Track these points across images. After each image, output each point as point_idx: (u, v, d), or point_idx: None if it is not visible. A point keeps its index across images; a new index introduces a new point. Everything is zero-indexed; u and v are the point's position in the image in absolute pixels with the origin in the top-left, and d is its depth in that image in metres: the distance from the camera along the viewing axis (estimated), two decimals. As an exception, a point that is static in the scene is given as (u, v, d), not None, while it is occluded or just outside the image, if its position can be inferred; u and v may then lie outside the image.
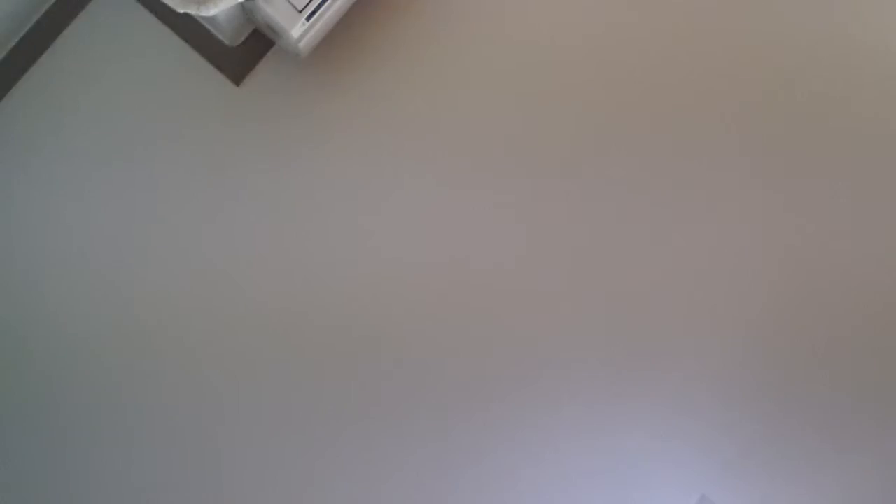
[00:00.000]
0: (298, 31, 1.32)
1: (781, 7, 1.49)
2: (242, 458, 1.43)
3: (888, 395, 1.45)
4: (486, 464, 1.45)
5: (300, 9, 1.30)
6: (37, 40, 1.45)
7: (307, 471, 1.44)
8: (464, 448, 1.45)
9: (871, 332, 1.46)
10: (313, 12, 1.32)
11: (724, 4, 1.50)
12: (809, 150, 1.47)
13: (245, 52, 1.47)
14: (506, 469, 1.45)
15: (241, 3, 1.30)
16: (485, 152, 1.48)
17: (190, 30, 1.45)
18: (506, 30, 1.50)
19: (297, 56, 1.43)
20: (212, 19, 1.37)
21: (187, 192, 1.46)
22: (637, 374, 1.46)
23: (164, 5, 1.21)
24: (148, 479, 1.43)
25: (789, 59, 1.48)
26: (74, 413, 1.43)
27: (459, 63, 1.49)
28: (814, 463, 1.46)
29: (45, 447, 1.43)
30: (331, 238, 1.46)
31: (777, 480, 1.46)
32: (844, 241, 1.46)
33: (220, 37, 1.45)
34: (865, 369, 1.46)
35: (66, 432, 1.43)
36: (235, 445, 1.44)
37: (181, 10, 1.20)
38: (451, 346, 1.45)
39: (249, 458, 1.43)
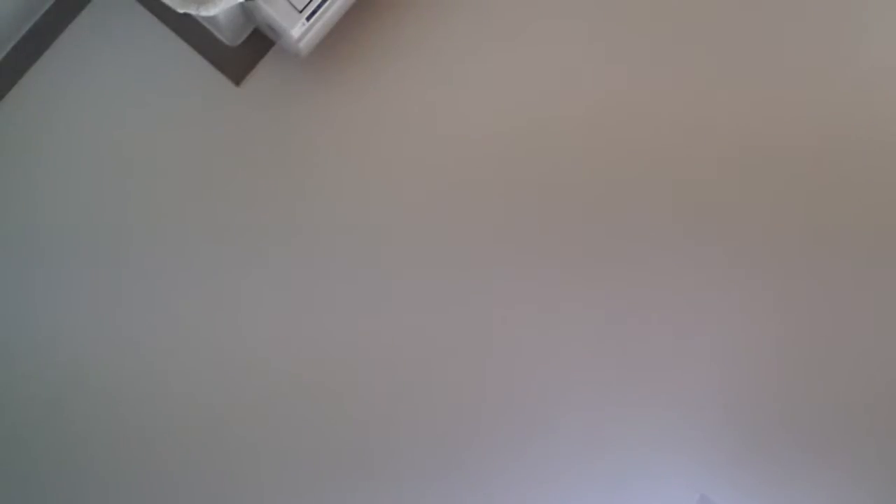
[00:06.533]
0: (298, 31, 1.32)
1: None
2: None
3: (874, 408, 1.47)
4: (488, 465, 1.45)
5: (300, 9, 1.30)
6: (37, 40, 1.45)
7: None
8: (468, 454, 1.45)
9: (864, 348, 1.47)
10: (313, 12, 1.32)
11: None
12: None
13: (245, 52, 1.47)
14: (509, 471, 1.45)
15: (242, 3, 1.30)
16: (485, 153, 1.48)
17: (190, 30, 1.45)
18: (508, 33, 1.50)
19: (297, 56, 1.43)
20: (212, 19, 1.37)
21: (186, 191, 1.46)
22: (638, 378, 1.46)
23: (164, 5, 1.21)
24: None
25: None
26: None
27: (459, 62, 1.49)
28: (810, 464, 1.46)
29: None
30: (330, 240, 1.46)
31: (775, 481, 1.46)
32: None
33: (220, 37, 1.45)
34: (855, 384, 1.47)
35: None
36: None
37: (181, 10, 1.20)
38: (452, 362, 1.46)
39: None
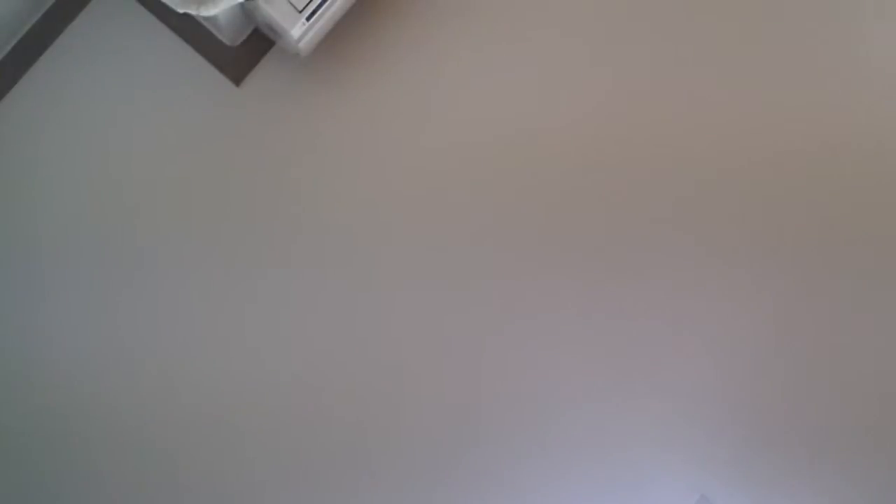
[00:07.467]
0: (298, 31, 1.32)
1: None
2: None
3: (874, 409, 1.47)
4: (487, 466, 1.45)
5: (300, 9, 1.30)
6: (37, 40, 1.45)
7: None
8: (467, 456, 1.45)
9: (865, 348, 1.47)
10: (313, 12, 1.32)
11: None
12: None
13: (245, 52, 1.47)
14: (508, 472, 1.45)
15: (242, 3, 1.30)
16: (485, 154, 1.48)
17: (190, 30, 1.45)
18: (508, 36, 1.50)
19: (297, 56, 1.43)
20: (212, 19, 1.37)
21: (185, 190, 1.46)
22: (638, 379, 1.46)
23: (164, 5, 1.21)
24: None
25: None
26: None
27: (460, 63, 1.49)
28: (810, 465, 1.46)
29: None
30: (329, 240, 1.46)
31: (776, 481, 1.46)
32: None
33: (220, 37, 1.45)
34: (855, 384, 1.47)
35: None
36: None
37: (181, 10, 1.20)
38: (451, 363, 1.46)
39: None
